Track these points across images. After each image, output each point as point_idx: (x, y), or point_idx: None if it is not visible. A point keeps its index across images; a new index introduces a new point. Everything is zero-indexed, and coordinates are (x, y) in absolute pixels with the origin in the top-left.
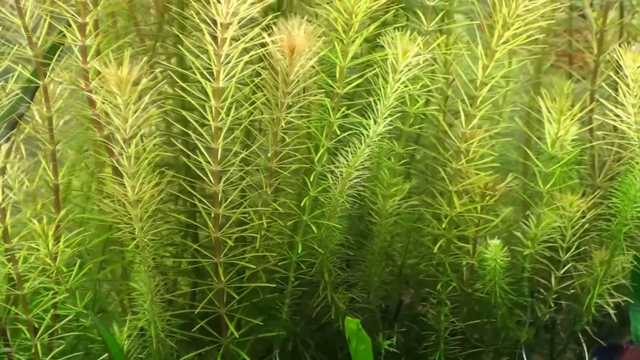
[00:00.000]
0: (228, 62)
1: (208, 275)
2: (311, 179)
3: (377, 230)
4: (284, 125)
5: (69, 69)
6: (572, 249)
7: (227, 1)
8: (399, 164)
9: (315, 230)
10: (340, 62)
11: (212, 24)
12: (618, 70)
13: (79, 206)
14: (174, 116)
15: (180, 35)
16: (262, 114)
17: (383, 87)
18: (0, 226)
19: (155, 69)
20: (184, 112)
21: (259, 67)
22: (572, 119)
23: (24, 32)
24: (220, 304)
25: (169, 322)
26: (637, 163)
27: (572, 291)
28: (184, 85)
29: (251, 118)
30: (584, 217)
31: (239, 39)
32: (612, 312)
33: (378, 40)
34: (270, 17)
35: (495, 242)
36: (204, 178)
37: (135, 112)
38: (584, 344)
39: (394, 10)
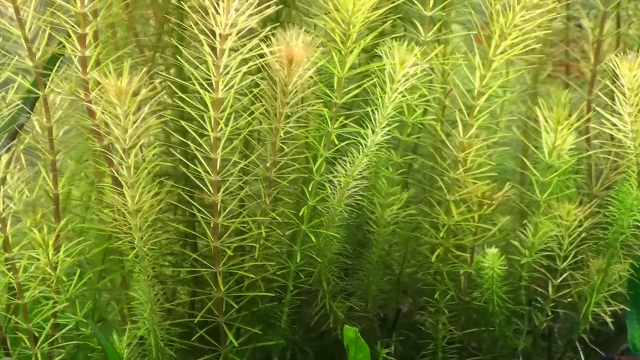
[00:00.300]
0: (227, 73)
1: (207, 284)
2: (309, 189)
3: (375, 239)
4: (282, 135)
5: (68, 80)
6: (569, 258)
7: (225, 12)
8: (396, 173)
9: (314, 240)
10: (338, 72)
11: (211, 35)
12: (615, 79)
13: (78, 216)
14: (173, 126)
15: (180, 46)
16: (260, 124)
17: (381, 97)
18: (0, 236)
19: (154, 80)
20: (183, 123)
21: (257, 77)
22: (569, 129)
23: (24, 43)
24: (220, 312)
25: (169, 331)
26: (633, 172)
27: (569, 299)
28: (183, 95)
29: (250, 128)
30: (581, 225)
31: (238, 50)
32: (609, 320)
33: (376, 51)
34: (268, 28)
35: (493, 250)
36: (203, 188)
37: (134, 123)
38: (581, 353)
39: (392, 21)
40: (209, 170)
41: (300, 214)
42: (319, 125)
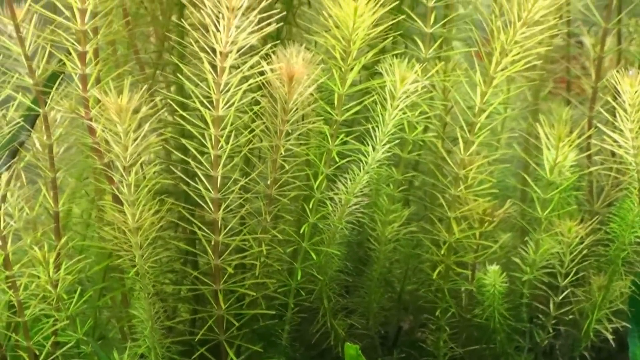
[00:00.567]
0: (227, 91)
1: (208, 302)
2: (310, 206)
3: (376, 257)
4: (283, 152)
5: (69, 97)
6: (571, 275)
7: (226, 30)
8: (397, 190)
9: (315, 257)
10: (339, 89)
11: (211, 53)
12: (616, 95)
13: (79, 233)
14: (173, 144)
15: (180, 64)
16: (261, 141)
17: (381, 114)
18: (1, 253)
19: (155, 97)
20: (183, 140)
21: (258, 95)
22: (570, 145)
23: (24, 61)
24: (220, 330)
25: (169, 349)
26: (635, 188)
27: (570, 317)
28: (183, 113)
29: (250, 146)
30: (582, 242)
31: (239, 67)
32: (610, 337)
33: (376, 68)
34: (269, 45)
35: (494, 268)
36: (204, 205)
37: (135, 140)
38: None
39: (392, 38)
40: (209, 188)
41: (301, 231)
42: (319, 143)
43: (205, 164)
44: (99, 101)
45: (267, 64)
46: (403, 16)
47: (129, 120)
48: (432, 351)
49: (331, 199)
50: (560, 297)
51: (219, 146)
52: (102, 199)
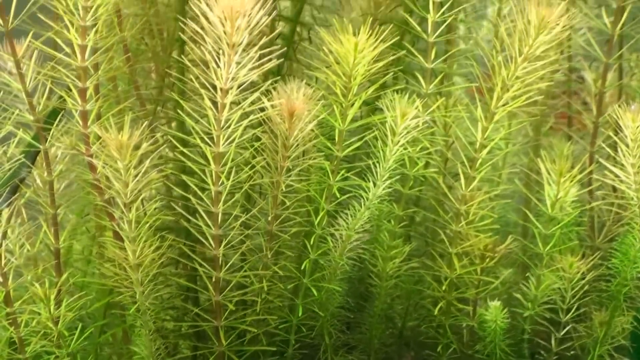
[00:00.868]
0: (228, 127)
1: (209, 338)
2: (311, 242)
3: (377, 293)
4: (283, 188)
5: (69, 134)
6: (572, 311)
7: (226, 66)
8: (398, 226)
9: (316, 293)
10: (340, 125)
11: (212, 89)
12: (617, 130)
13: (80, 270)
14: (174, 180)
15: (181, 100)
16: (262, 177)
17: (382, 149)
18: (2, 290)
19: (155, 133)
20: (184, 177)
21: (258, 131)
22: (571, 181)
23: (24, 97)
24: None
25: None
26: (637, 223)
27: (572, 352)
28: (184, 149)
29: (251, 182)
30: (583, 278)
31: (239, 104)
32: None
33: (377, 103)
34: (270, 81)
35: (496, 304)
36: (205, 242)
37: (135, 177)
38: None
39: (393, 73)
40: (210, 224)
41: (302, 267)
42: (320, 178)
43: (206, 200)
44: (100, 137)
45: (268, 100)
46: (404, 52)
47: (129, 157)
48: None
49: (332, 235)
50: (562, 333)
51: (220, 182)
52: (102, 235)
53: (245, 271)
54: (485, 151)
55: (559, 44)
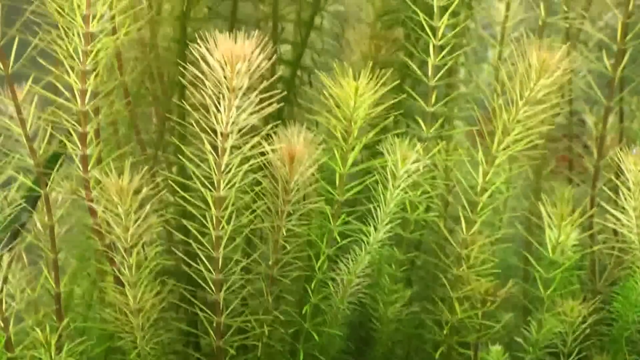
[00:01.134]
0: (228, 171)
1: None
2: (312, 287)
3: (379, 337)
4: (284, 232)
5: (69, 178)
6: (574, 354)
7: (227, 111)
8: (399, 270)
9: (317, 338)
10: (340, 169)
11: (212, 133)
12: (619, 173)
13: (80, 315)
14: (175, 224)
15: (181, 145)
16: (262, 221)
17: (383, 193)
18: (2, 335)
19: (156, 178)
20: (184, 221)
21: (259, 175)
22: (572, 224)
23: (25, 141)
24: None
25: None
26: (638, 267)
27: None
28: (184, 194)
29: (252, 226)
30: (585, 322)
31: (240, 148)
32: None
33: (378, 147)
34: (270, 125)
35: (497, 347)
36: (205, 286)
37: (136, 221)
38: None
39: (394, 117)
40: (211, 269)
41: (303, 312)
42: (321, 223)
43: (206, 244)
44: (100, 182)
45: (269, 144)
46: (404, 95)
47: (129, 201)
48: None
49: (333, 279)
50: None
51: (220, 227)
52: (103, 280)
53: (246, 316)
54: (486, 195)
55: (560, 87)
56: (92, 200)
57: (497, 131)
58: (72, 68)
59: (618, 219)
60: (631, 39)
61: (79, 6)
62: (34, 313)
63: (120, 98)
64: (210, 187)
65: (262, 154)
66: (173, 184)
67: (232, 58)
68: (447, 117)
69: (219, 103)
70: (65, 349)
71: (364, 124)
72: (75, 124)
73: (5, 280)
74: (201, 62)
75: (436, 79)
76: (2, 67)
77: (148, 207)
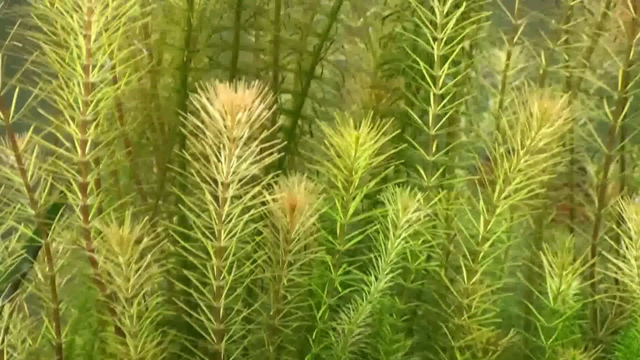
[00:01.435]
0: (229, 221)
1: None
2: (313, 336)
3: None
4: (285, 282)
5: (70, 228)
6: None
7: (227, 161)
8: (401, 320)
9: None
10: (341, 218)
11: (212, 183)
12: (620, 222)
13: None
14: (175, 275)
15: (181, 195)
16: (263, 271)
17: (384, 242)
18: None
19: (157, 228)
20: (185, 271)
21: (260, 225)
22: (573, 274)
23: (26, 192)
24: None
25: None
26: (639, 316)
27: None
28: (185, 244)
29: (253, 276)
30: None
31: (240, 198)
32: None
33: (378, 197)
34: (271, 175)
35: None
36: (207, 336)
37: (137, 271)
38: None
39: (394, 166)
40: (212, 319)
41: None
42: (322, 272)
43: (207, 294)
44: (101, 232)
45: (269, 193)
46: (405, 144)
47: (130, 251)
48: None
49: (334, 329)
50: None
51: (221, 277)
52: (104, 330)
53: None
54: (487, 244)
55: (561, 136)
56: (92, 251)
57: (498, 180)
58: (73, 118)
59: (619, 268)
60: (632, 87)
61: (79, 56)
62: None
63: (121, 148)
64: (211, 237)
65: (263, 203)
66: (174, 234)
67: (232, 108)
68: (448, 166)
69: (220, 153)
70: None
71: (364, 174)
72: (76, 174)
73: (6, 330)
74: (202, 111)
75: (437, 128)
76: (2, 117)
77: (149, 257)
